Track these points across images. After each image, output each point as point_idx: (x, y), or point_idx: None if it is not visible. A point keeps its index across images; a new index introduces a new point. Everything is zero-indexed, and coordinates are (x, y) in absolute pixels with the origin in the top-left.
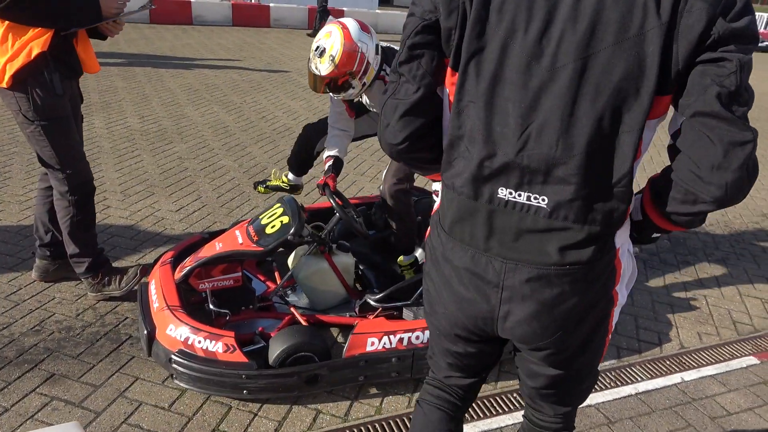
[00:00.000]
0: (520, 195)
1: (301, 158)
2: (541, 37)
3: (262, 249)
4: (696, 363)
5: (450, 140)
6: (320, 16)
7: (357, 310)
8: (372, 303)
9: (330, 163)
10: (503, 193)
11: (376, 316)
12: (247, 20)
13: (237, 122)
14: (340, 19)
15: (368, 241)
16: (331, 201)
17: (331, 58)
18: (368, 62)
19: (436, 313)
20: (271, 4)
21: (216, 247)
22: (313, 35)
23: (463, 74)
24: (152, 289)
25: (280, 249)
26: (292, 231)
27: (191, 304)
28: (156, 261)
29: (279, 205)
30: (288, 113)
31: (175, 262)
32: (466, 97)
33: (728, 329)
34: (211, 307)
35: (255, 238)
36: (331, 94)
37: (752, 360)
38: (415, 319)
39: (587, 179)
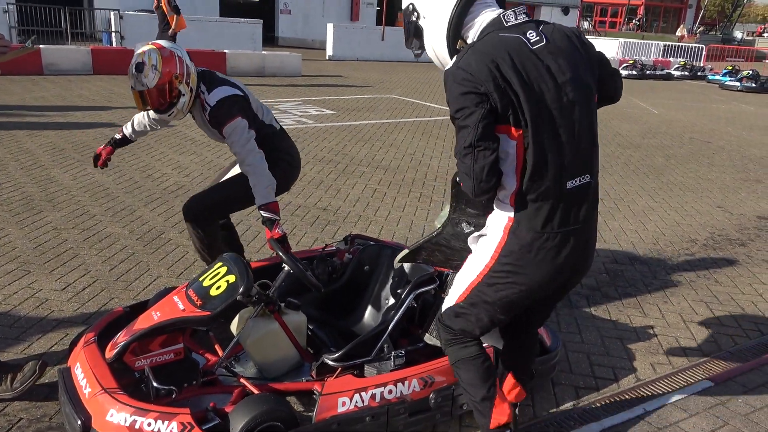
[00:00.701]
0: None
1: (214, 247)
2: (558, 88)
3: (209, 313)
4: (655, 392)
5: (534, 166)
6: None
7: (314, 373)
8: (330, 363)
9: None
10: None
11: (337, 377)
12: (110, 67)
13: (118, 183)
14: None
15: (315, 297)
16: (281, 254)
17: (153, 66)
18: (187, 65)
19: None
20: (138, 49)
21: (153, 317)
22: None
23: (534, 123)
24: (78, 373)
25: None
26: (241, 290)
27: (126, 386)
28: (73, 343)
29: (221, 263)
30: (178, 169)
31: (100, 340)
32: (540, 136)
33: (679, 356)
34: (154, 384)
35: (199, 303)
36: (160, 116)
37: (707, 383)
38: (378, 374)
39: (595, 162)
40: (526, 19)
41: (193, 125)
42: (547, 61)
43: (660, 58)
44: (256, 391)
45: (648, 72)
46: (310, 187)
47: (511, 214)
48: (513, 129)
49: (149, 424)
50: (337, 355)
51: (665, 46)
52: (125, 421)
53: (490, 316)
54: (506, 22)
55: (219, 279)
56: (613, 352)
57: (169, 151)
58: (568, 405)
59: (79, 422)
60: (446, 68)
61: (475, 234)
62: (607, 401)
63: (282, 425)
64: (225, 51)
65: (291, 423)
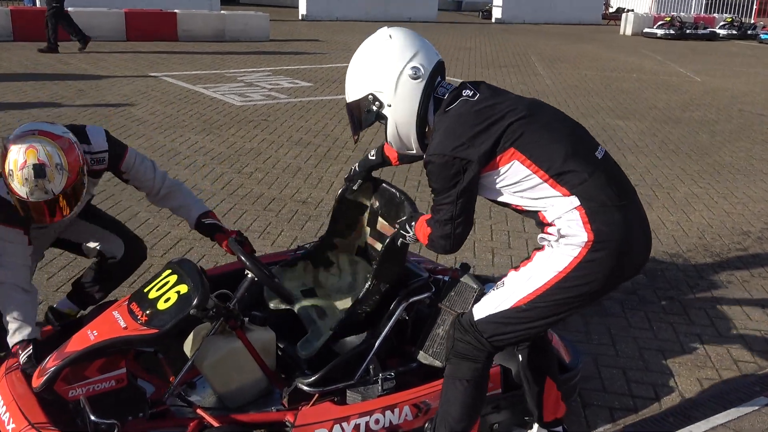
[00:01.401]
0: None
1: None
2: (515, 103)
3: (156, 331)
4: (702, 413)
5: (559, 173)
6: (53, 21)
7: (285, 401)
8: (305, 389)
9: (28, 353)
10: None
11: (314, 405)
12: (34, 32)
13: None
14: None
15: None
16: (243, 258)
17: (58, 166)
18: (75, 142)
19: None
20: (70, 9)
21: (89, 336)
22: (51, 50)
23: (519, 131)
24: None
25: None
26: (195, 302)
27: (57, 420)
28: None
29: (170, 271)
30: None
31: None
32: (532, 135)
33: (730, 370)
34: (92, 418)
35: (143, 318)
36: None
37: (764, 400)
38: (363, 401)
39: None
40: (457, 84)
41: (145, 99)
42: (490, 101)
43: (702, 14)
44: (215, 424)
45: (688, 31)
46: (286, 176)
47: (578, 204)
48: (507, 153)
49: None
50: (313, 378)
51: None
52: None
53: (545, 322)
54: (440, 94)
55: (168, 290)
56: (653, 366)
57: (112, 134)
58: (601, 429)
59: None
60: (426, 155)
61: (551, 241)
62: (647, 424)
63: None
64: (175, 11)
65: None
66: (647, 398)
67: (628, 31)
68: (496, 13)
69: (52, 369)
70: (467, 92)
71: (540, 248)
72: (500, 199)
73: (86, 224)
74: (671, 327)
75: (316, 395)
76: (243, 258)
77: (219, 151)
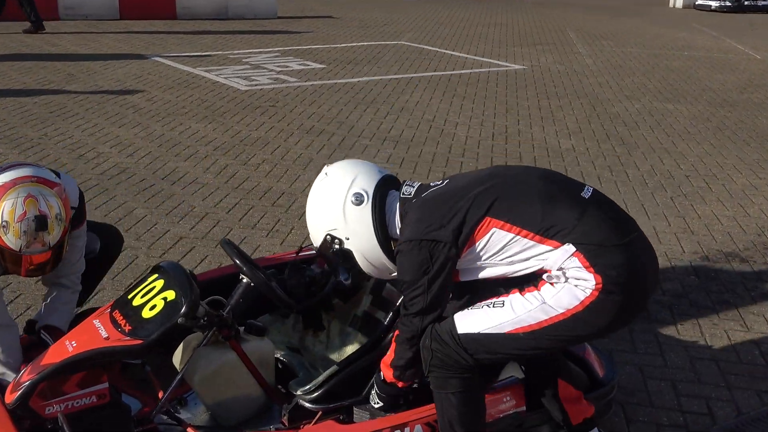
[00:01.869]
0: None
1: None
2: (477, 176)
3: (140, 342)
4: (761, 430)
5: (544, 227)
6: None
7: (285, 419)
8: (307, 406)
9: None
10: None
11: (316, 423)
12: (19, 11)
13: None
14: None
15: (285, 318)
16: (236, 260)
17: (57, 217)
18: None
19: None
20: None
21: (68, 348)
22: (37, 29)
23: (489, 197)
24: None
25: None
26: (183, 310)
27: None
28: None
29: (156, 275)
30: (119, 147)
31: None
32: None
33: None
34: None
35: (127, 328)
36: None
37: None
38: (372, 419)
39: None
40: (419, 183)
41: (141, 84)
42: (452, 184)
43: None
44: None
45: (747, 3)
46: (296, 168)
47: (573, 250)
48: (483, 223)
49: None
50: (316, 394)
51: None
52: None
53: (541, 352)
54: (407, 194)
55: (153, 296)
56: (706, 378)
57: (105, 123)
58: None
59: None
60: (396, 247)
61: (560, 281)
62: None
63: None
64: None
65: None
66: (699, 413)
67: (678, 4)
68: None
69: (27, 383)
70: (435, 183)
71: (549, 281)
72: (489, 274)
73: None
74: (726, 334)
75: (320, 413)
76: (237, 261)
77: (222, 141)
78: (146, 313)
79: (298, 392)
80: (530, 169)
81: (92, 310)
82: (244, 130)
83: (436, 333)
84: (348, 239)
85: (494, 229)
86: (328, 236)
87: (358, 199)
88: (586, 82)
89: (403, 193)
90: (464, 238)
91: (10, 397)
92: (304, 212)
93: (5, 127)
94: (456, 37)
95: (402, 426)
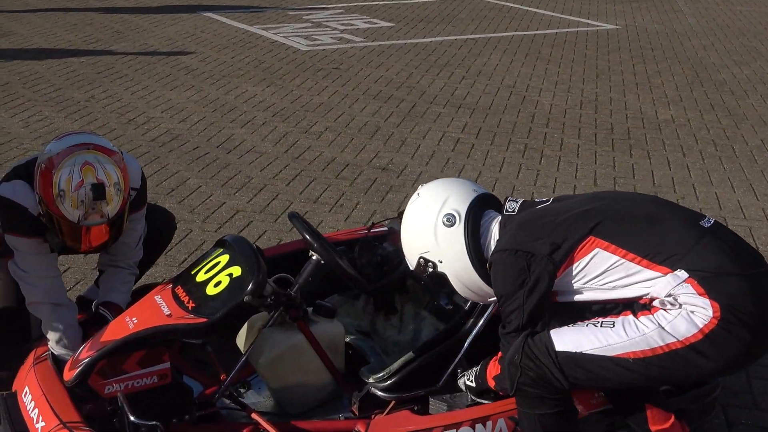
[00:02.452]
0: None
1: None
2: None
3: (205, 320)
4: None
5: (653, 252)
6: None
7: (355, 408)
8: (379, 394)
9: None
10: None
11: (389, 413)
12: None
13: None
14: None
15: (356, 299)
16: (307, 237)
17: (116, 186)
18: None
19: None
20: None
21: (128, 324)
22: None
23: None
24: (27, 401)
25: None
26: (249, 288)
27: (93, 419)
28: (18, 359)
29: (221, 250)
30: (171, 111)
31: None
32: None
33: None
34: (131, 419)
35: (190, 305)
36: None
37: None
38: (450, 410)
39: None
40: (523, 199)
41: (194, 43)
42: (557, 203)
43: None
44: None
45: None
46: (362, 137)
47: (686, 276)
48: (586, 243)
49: None
50: (389, 382)
51: None
52: None
53: (647, 383)
54: (510, 210)
55: (219, 272)
56: None
57: (155, 85)
58: None
59: None
60: (489, 257)
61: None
62: None
63: None
64: None
65: None
66: None
67: None
68: None
69: (86, 360)
70: (540, 200)
71: (663, 307)
72: (586, 299)
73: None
74: None
75: (393, 402)
76: (307, 236)
77: (282, 106)
78: (210, 290)
79: (370, 380)
80: (643, 195)
81: (150, 286)
82: (304, 95)
83: (528, 348)
84: (441, 262)
85: (597, 250)
86: (421, 259)
87: (450, 221)
88: (688, 44)
89: (506, 210)
90: (563, 254)
91: (68, 375)
92: (371, 186)
93: (51, 88)
94: None
95: (483, 419)
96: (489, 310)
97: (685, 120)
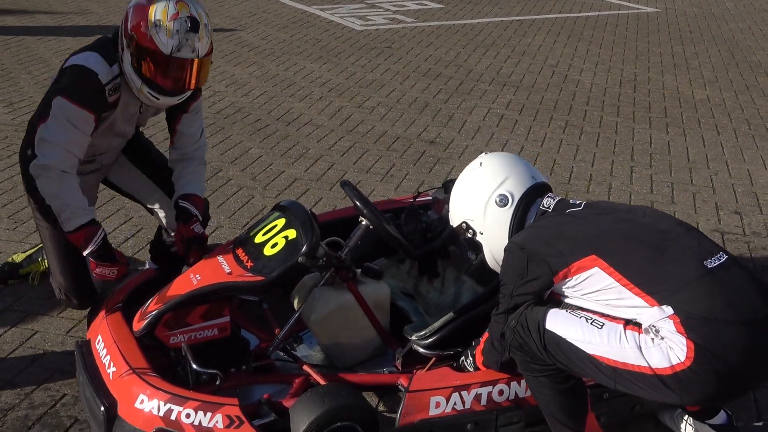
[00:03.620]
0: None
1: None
2: (615, 213)
3: (263, 278)
4: None
5: (646, 281)
6: None
7: (399, 363)
8: (421, 351)
9: (97, 241)
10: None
11: (430, 369)
12: None
13: None
14: None
15: (401, 263)
16: (358, 203)
17: (207, 27)
18: None
19: None
20: None
21: (192, 281)
22: None
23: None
24: (100, 348)
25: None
26: (303, 250)
27: (158, 367)
28: (93, 311)
29: (278, 213)
30: (234, 86)
31: (127, 308)
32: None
33: None
34: (194, 367)
35: (249, 264)
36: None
37: None
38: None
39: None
40: (559, 198)
41: (255, 22)
42: (586, 212)
43: None
44: (322, 383)
45: None
46: (412, 112)
47: (671, 312)
48: (587, 259)
49: (188, 416)
50: (431, 340)
51: None
52: (158, 410)
53: (614, 387)
54: (546, 206)
55: (275, 234)
56: None
57: (221, 61)
58: None
59: (102, 408)
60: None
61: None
62: None
63: (358, 427)
64: None
65: (369, 425)
66: None
67: None
68: None
69: (154, 313)
70: (573, 201)
71: (647, 334)
72: (579, 305)
73: (141, 177)
74: None
75: (433, 359)
76: (358, 203)
77: (337, 82)
78: (268, 251)
79: (413, 337)
80: (668, 217)
81: (214, 245)
82: (358, 72)
83: (524, 317)
84: (482, 234)
85: (596, 269)
86: (464, 224)
87: (503, 201)
88: (725, 27)
89: (543, 205)
90: (563, 264)
91: (137, 326)
92: (420, 158)
93: None
94: None
95: (519, 378)
96: None
97: (720, 100)
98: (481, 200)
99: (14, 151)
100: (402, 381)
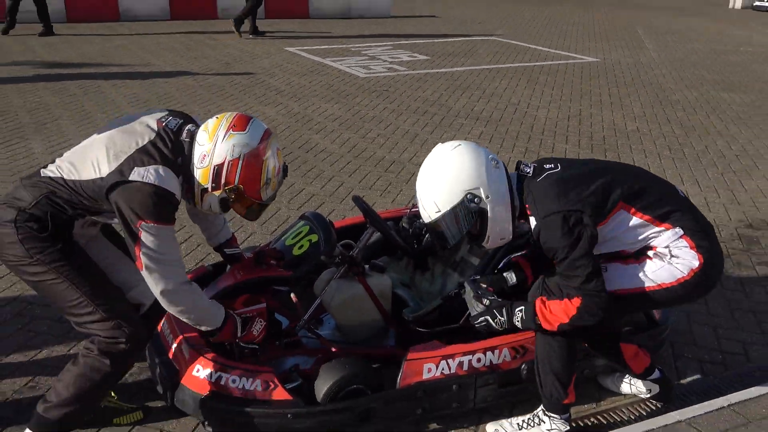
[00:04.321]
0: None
1: None
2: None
3: (291, 272)
4: None
5: (661, 213)
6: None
7: (397, 340)
8: (416, 329)
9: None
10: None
11: (422, 343)
12: (189, 12)
13: None
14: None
15: (400, 260)
16: (366, 214)
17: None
18: None
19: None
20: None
21: (236, 275)
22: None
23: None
24: (165, 329)
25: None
26: (323, 250)
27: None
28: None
29: (303, 222)
30: (265, 122)
31: None
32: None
33: None
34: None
35: (281, 262)
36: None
37: None
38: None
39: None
40: (534, 164)
41: (281, 71)
42: (576, 170)
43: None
44: (339, 355)
45: None
46: (404, 141)
47: (682, 233)
48: (617, 207)
49: (233, 381)
50: (423, 320)
51: None
52: (211, 377)
53: (624, 314)
54: (526, 173)
55: (301, 238)
56: (744, 326)
57: (253, 102)
58: (690, 379)
59: (169, 376)
60: (539, 220)
61: (663, 258)
62: (735, 377)
63: (367, 389)
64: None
65: (375, 387)
66: (736, 353)
67: (737, 5)
68: None
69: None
70: (549, 165)
71: (649, 257)
72: (610, 249)
73: (113, 250)
74: (764, 290)
75: (426, 334)
76: (366, 214)
77: (346, 118)
78: (296, 251)
79: (410, 318)
80: (640, 169)
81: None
82: (362, 110)
83: (546, 286)
84: (488, 197)
85: (622, 211)
86: (469, 195)
87: (497, 163)
88: (651, 73)
89: (522, 171)
90: (602, 215)
91: None
92: (411, 177)
93: (177, 104)
94: (540, 34)
95: (493, 348)
96: (495, 269)
97: (647, 130)
98: (481, 165)
99: None
100: (401, 352)
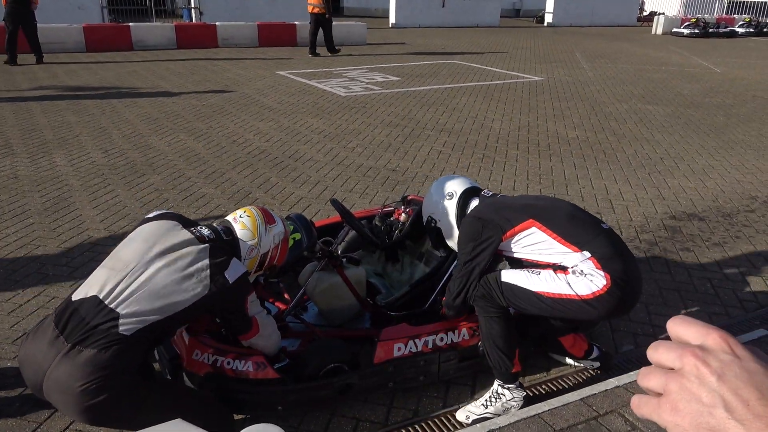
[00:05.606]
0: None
1: None
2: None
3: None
4: None
5: (569, 235)
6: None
7: (371, 323)
8: (388, 313)
9: None
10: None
11: (394, 325)
12: (193, 41)
13: (208, 149)
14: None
15: (374, 253)
16: (342, 214)
17: None
18: None
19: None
20: (218, 23)
21: None
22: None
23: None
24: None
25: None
26: (306, 246)
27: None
28: None
29: (288, 223)
30: (259, 135)
31: None
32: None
33: (735, 307)
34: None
35: None
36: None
37: (762, 332)
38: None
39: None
40: (493, 193)
41: (273, 92)
42: (507, 198)
43: (724, 15)
44: (322, 336)
45: (711, 30)
46: (380, 150)
47: (589, 255)
48: (526, 222)
49: (228, 363)
50: (394, 305)
51: (730, 2)
52: (208, 360)
53: (549, 314)
54: (486, 195)
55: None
56: (670, 302)
57: (250, 118)
58: (625, 350)
59: (168, 358)
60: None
61: (576, 273)
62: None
63: (345, 366)
64: (295, 23)
65: (354, 365)
66: (664, 326)
67: (659, 31)
68: (548, 18)
69: None
70: (502, 195)
71: (572, 272)
72: (520, 256)
73: None
74: (687, 272)
75: (397, 317)
76: (342, 214)
77: (329, 131)
78: None
79: (382, 303)
80: (567, 202)
81: None
82: (343, 124)
83: (486, 278)
84: (439, 221)
85: (534, 228)
86: (428, 217)
87: (449, 196)
88: (588, 89)
89: (483, 194)
90: (510, 226)
91: None
92: (385, 181)
93: (183, 121)
94: (493, 58)
95: (453, 328)
96: (455, 262)
97: (585, 137)
98: (438, 199)
99: (109, 183)
100: (375, 334)
